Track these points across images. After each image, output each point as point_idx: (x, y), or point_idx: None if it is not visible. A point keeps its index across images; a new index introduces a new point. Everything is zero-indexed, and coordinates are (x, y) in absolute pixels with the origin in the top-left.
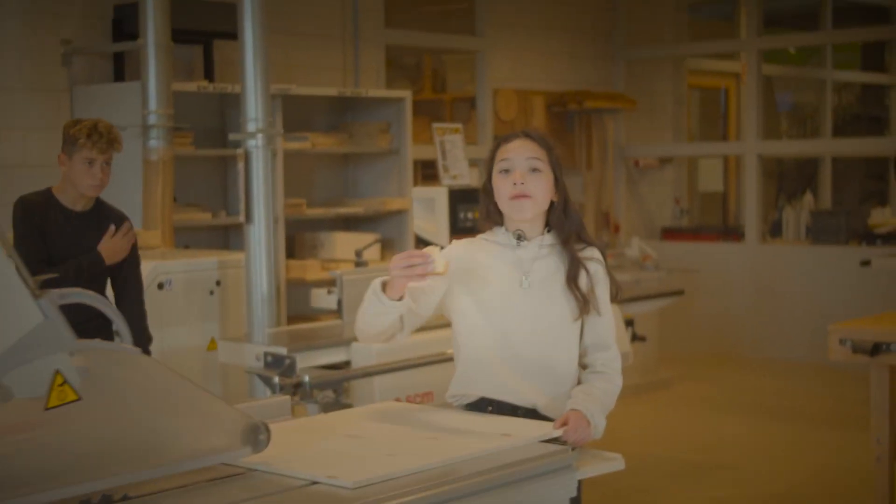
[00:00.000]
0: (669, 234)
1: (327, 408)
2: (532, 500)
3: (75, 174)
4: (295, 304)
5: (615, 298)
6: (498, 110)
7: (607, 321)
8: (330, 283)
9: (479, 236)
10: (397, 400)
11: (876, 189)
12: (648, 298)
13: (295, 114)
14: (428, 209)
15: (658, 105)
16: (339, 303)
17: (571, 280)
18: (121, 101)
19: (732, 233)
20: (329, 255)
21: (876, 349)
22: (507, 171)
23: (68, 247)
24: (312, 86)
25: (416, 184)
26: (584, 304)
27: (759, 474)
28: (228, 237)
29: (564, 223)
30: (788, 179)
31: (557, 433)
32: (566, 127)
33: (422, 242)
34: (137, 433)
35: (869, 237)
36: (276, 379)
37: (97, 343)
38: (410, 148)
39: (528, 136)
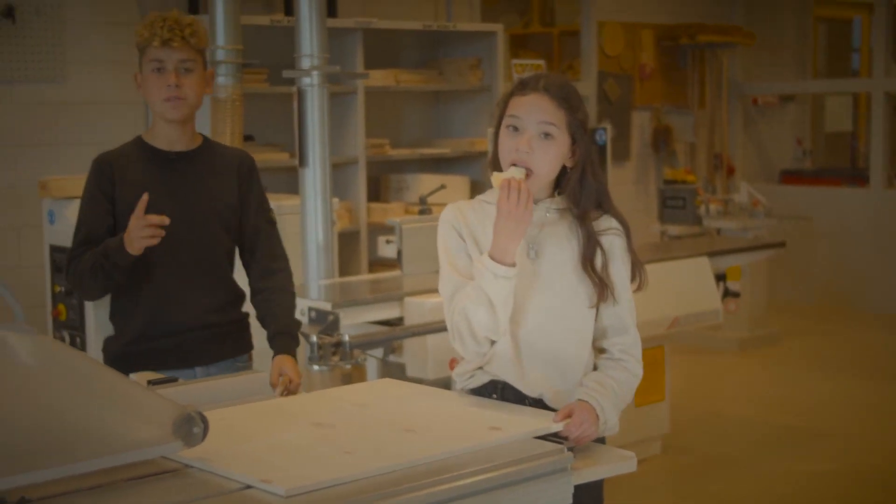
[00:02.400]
0: (789, 177)
1: (381, 370)
2: None
3: (147, 91)
4: (376, 251)
5: (638, 285)
6: (604, 45)
7: (627, 301)
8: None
9: (478, 197)
10: (452, 360)
11: None
12: (743, 251)
13: (381, 49)
14: None
15: (779, 39)
16: (399, 253)
17: (587, 261)
18: None
19: (857, 176)
20: (415, 199)
21: None
22: (514, 128)
23: (167, 201)
24: (398, 19)
25: None
26: (602, 289)
27: (858, 446)
28: None
29: (580, 193)
30: None
31: (558, 427)
32: (678, 63)
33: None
34: (42, 425)
35: None
36: (314, 337)
37: None
38: (502, 85)
39: (547, 90)
